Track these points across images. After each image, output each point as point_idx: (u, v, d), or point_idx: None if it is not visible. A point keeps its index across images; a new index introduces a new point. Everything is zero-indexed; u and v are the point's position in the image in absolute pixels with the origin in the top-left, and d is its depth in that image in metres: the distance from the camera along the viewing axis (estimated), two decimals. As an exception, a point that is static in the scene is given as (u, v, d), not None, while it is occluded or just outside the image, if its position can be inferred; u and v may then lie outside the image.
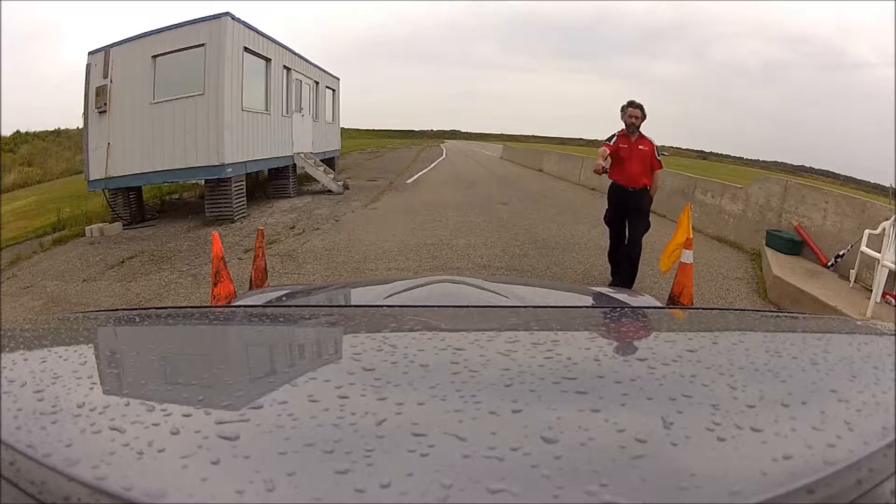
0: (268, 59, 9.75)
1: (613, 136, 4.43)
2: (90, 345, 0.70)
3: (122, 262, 6.30)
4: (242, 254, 6.06)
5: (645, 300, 1.58)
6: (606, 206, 4.61)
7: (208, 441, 0.39)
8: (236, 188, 8.32)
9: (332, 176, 11.26)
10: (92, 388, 0.51)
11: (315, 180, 11.16)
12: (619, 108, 4.46)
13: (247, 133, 8.73)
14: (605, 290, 1.71)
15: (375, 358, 0.56)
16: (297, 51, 11.51)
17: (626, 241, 4.49)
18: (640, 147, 4.36)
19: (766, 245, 5.65)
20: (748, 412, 0.43)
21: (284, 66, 10.52)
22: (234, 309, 1.02)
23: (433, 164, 20.93)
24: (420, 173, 16.15)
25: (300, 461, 0.36)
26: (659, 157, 4.43)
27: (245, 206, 8.57)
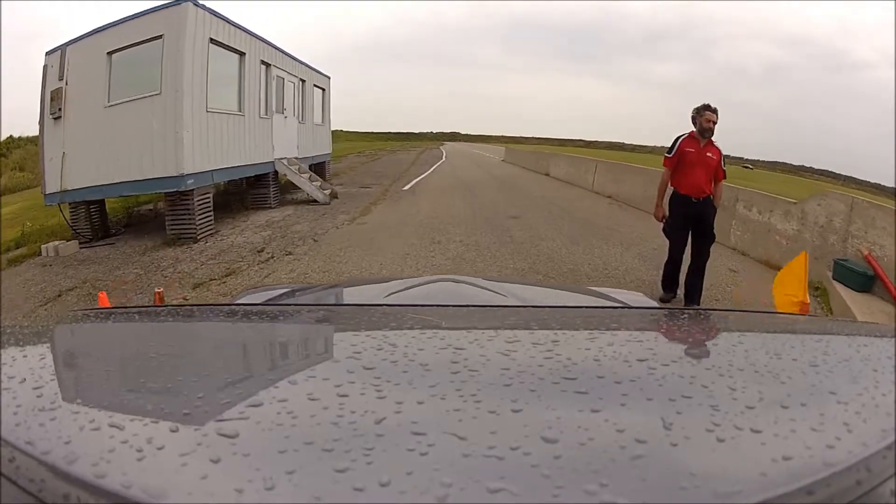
0: (241, 53, 8.54)
1: (678, 140, 4.02)
2: (90, 343, 0.70)
3: (60, 294, 5.25)
4: (191, 290, 4.84)
5: (645, 300, 1.56)
6: (667, 217, 4.15)
7: (208, 439, 0.38)
8: (200, 202, 7.10)
9: (318, 184, 10.04)
10: (91, 386, 0.52)
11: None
12: (693, 111, 4.02)
13: (214, 137, 7.51)
14: (605, 290, 1.63)
15: (375, 357, 0.56)
16: (286, 49, 10.34)
17: (692, 256, 4.15)
18: (707, 154, 3.96)
19: (835, 279, 4.55)
20: (748, 413, 0.43)
21: (262, 62, 9.31)
22: (234, 307, 0.97)
23: (432, 168, 19.69)
24: (418, 178, 14.92)
25: (300, 459, 0.36)
26: (724, 167, 4.07)
27: (212, 222, 7.35)
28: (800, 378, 0.53)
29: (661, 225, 4.23)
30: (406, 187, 12.48)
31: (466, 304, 0.98)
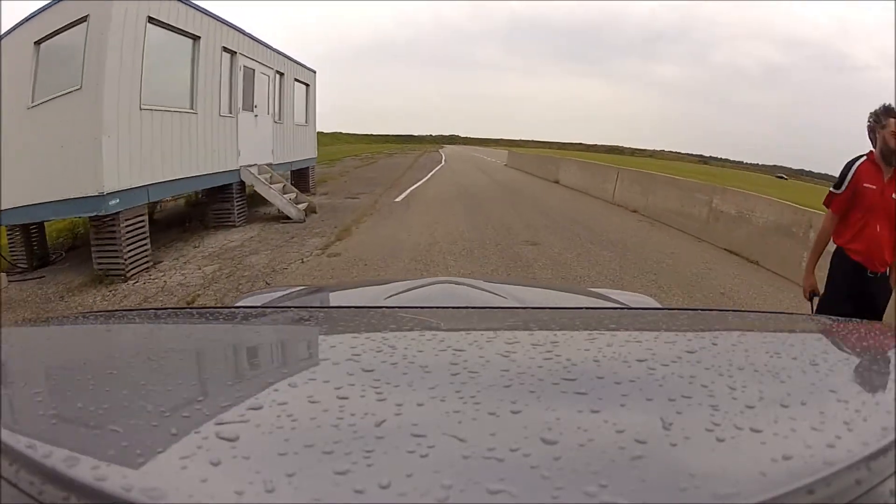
0: (195, 38, 6.94)
1: (852, 166, 2.35)
2: (90, 345, 0.70)
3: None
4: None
5: (644, 301, 1.54)
6: (818, 293, 2.53)
7: (208, 442, 0.38)
8: (130, 228, 5.49)
9: (292, 196, 8.44)
10: (91, 389, 0.51)
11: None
12: (870, 117, 2.33)
13: (151, 142, 5.91)
14: (604, 290, 1.58)
15: (375, 359, 0.56)
16: (290, 50, 8.76)
17: None
18: (893, 195, 2.30)
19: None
20: (747, 413, 0.43)
21: (225, 49, 7.70)
22: (234, 310, 0.99)
23: (430, 174, 18.08)
24: (414, 186, 13.31)
25: (300, 462, 0.36)
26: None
27: (147, 253, 5.73)
28: (799, 377, 0.53)
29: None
30: (399, 198, 10.87)
31: (465, 305, 1.00)
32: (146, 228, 5.82)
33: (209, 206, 8.02)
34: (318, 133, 13.94)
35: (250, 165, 8.28)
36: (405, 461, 0.35)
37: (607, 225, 7.98)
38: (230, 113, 7.86)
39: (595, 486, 0.32)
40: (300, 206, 8.19)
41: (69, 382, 0.52)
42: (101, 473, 0.34)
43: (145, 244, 5.77)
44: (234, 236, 7.00)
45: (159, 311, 0.90)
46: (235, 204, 7.87)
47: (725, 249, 6.86)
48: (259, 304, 1.30)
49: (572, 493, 0.32)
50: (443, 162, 26.94)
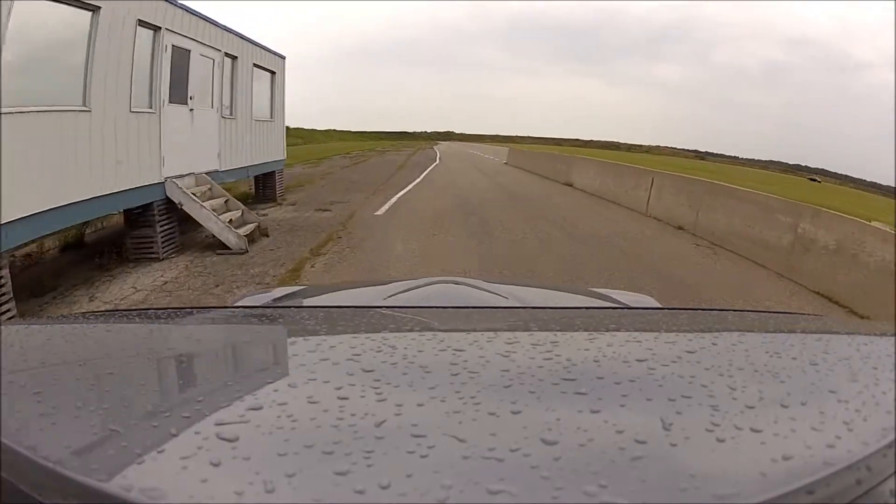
0: (93, 9, 4.95)
1: None
2: (90, 345, 0.69)
3: None
4: None
5: (644, 301, 1.53)
6: None
7: (208, 442, 0.38)
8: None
9: (235, 215, 6.46)
10: (91, 389, 0.51)
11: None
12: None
13: (12, 160, 3.90)
14: (605, 290, 1.56)
15: (375, 359, 0.56)
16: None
17: None
18: None
19: None
20: (747, 413, 0.43)
21: (142, 24, 5.70)
22: (234, 309, 1.01)
23: (423, 175, 16.08)
24: (402, 192, 11.33)
25: (300, 462, 0.36)
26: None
27: (10, 319, 3.79)
28: (799, 377, 0.52)
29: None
30: (382, 210, 8.89)
31: (466, 305, 1.01)
32: (7, 286, 3.89)
33: (128, 233, 6.07)
34: (312, 131, 12.01)
35: (182, 175, 6.31)
36: (405, 461, 0.35)
37: (659, 253, 6.06)
38: (149, 108, 5.87)
39: (595, 486, 0.32)
40: (244, 229, 6.23)
41: (69, 382, 0.51)
42: (101, 473, 0.34)
43: (8, 307, 3.86)
44: (146, 280, 5.05)
45: (159, 311, 0.89)
46: (159, 229, 5.89)
47: (820, 294, 5.01)
48: (259, 304, 1.30)
49: (572, 493, 0.32)
50: (437, 160, 24.94)
